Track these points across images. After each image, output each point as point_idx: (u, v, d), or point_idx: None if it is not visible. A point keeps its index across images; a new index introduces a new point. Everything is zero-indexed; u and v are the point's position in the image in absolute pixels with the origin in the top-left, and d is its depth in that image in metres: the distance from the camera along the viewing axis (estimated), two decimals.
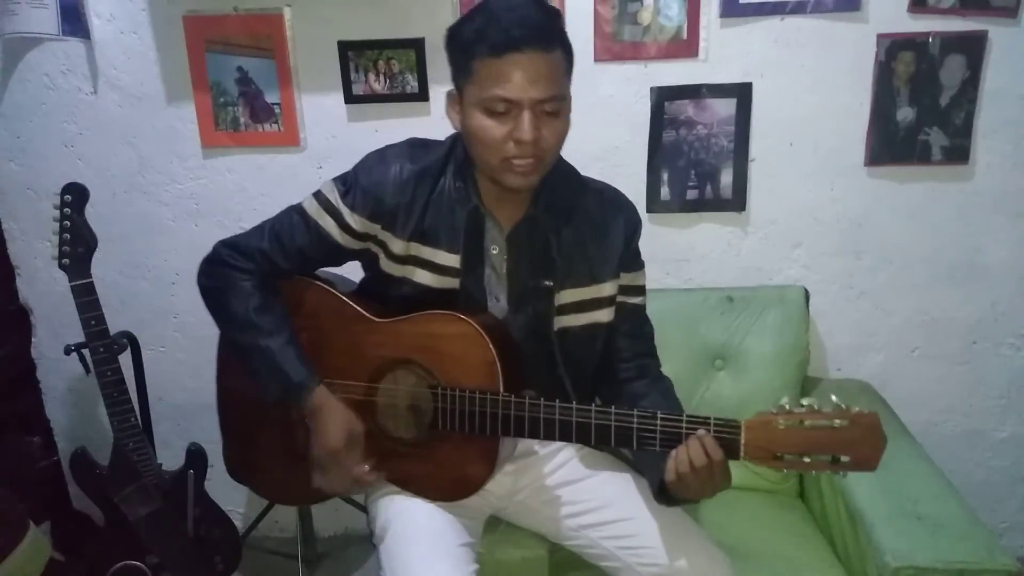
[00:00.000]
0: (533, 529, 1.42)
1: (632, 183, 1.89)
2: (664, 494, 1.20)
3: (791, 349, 1.80)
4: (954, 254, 1.93)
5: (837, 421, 1.04)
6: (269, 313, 1.27)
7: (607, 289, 1.31)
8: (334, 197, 1.26)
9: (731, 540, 1.40)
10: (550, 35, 1.12)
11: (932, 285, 1.95)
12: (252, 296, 1.27)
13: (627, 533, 1.29)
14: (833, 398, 1.06)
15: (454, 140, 1.28)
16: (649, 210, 1.93)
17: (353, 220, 1.26)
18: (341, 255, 1.32)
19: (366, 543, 2.18)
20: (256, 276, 1.29)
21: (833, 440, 1.04)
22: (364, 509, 1.41)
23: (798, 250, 1.96)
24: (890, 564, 1.30)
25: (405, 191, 1.24)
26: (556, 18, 1.16)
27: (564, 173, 1.30)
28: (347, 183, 1.26)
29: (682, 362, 1.78)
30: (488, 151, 1.15)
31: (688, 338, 1.81)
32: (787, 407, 1.07)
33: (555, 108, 1.13)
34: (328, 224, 1.27)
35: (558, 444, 1.39)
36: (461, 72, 1.16)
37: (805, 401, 1.07)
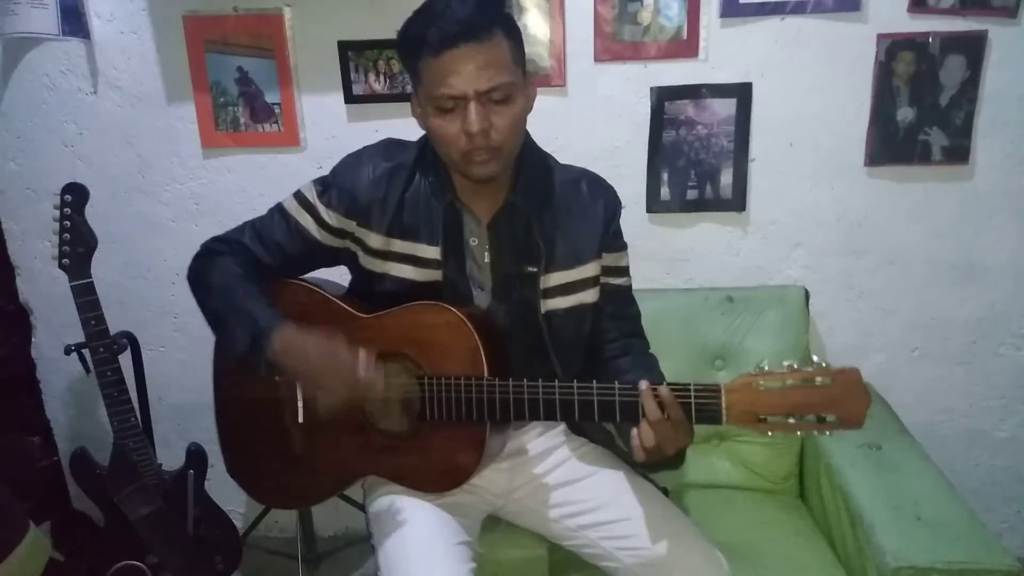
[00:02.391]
0: (532, 529, 1.42)
1: (632, 183, 1.89)
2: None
3: (791, 349, 1.80)
4: (954, 254, 1.92)
5: (819, 379, 1.02)
6: (250, 283, 1.28)
7: (590, 270, 1.32)
8: (312, 196, 1.31)
9: (731, 540, 1.40)
10: (483, 25, 1.12)
11: (932, 285, 1.95)
12: (232, 270, 1.29)
13: (625, 533, 1.29)
14: (814, 357, 1.05)
15: (427, 138, 1.29)
16: (649, 210, 1.93)
17: (329, 217, 1.29)
18: (320, 252, 1.34)
19: (366, 543, 2.16)
20: (238, 257, 1.32)
21: (817, 399, 1.02)
22: (364, 509, 1.41)
23: (798, 250, 1.96)
24: (890, 564, 1.30)
25: (379, 188, 1.27)
26: (490, 6, 1.15)
27: (538, 159, 1.33)
28: (324, 183, 1.31)
29: (682, 362, 1.78)
30: (447, 147, 1.19)
31: (688, 338, 1.81)
32: (767, 368, 1.05)
33: (503, 95, 1.15)
34: (306, 221, 1.31)
35: (553, 441, 1.41)
36: (412, 76, 1.20)
37: (786, 362, 1.05)
